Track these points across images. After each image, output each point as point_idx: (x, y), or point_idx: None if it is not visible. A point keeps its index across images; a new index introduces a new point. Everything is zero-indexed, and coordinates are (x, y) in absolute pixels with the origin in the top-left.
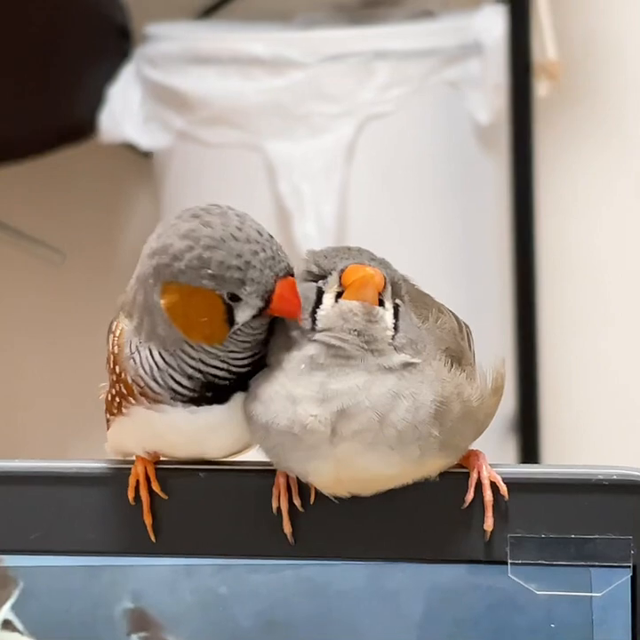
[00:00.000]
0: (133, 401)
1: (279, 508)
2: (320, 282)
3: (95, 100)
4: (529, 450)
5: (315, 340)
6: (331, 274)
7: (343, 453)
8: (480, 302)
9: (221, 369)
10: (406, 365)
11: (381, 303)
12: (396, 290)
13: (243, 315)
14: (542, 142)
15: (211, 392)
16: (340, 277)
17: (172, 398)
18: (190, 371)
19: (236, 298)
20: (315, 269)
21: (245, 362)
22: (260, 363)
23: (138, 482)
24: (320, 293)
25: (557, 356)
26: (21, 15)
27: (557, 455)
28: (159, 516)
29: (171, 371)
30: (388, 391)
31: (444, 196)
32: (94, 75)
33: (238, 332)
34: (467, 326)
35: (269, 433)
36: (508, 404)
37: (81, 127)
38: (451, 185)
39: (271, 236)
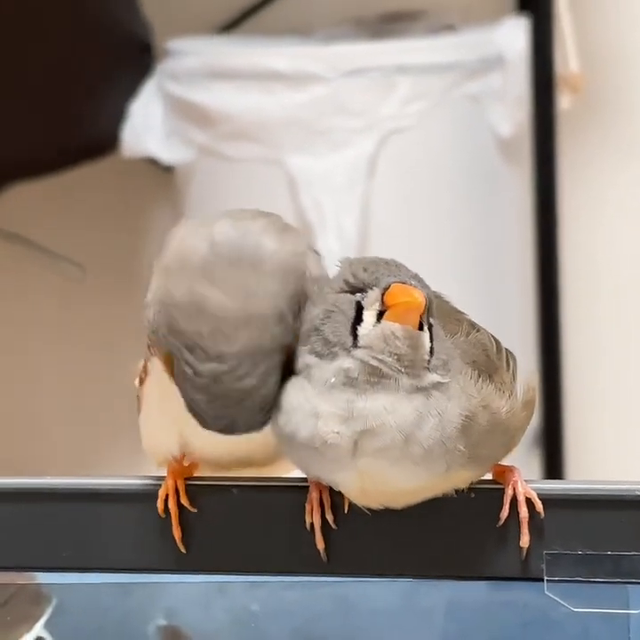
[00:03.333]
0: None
1: (312, 524)
2: (358, 294)
3: (117, 115)
4: (553, 463)
5: (353, 356)
6: (371, 289)
7: (365, 467)
8: (503, 316)
9: None
10: (436, 385)
11: (421, 326)
12: (430, 308)
13: None
14: (565, 155)
15: None
16: (383, 295)
17: None
18: None
19: None
20: (352, 280)
21: None
22: None
23: (167, 495)
24: (359, 308)
25: (582, 369)
26: (44, 31)
27: (581, 470)
28: (191, 532)
29: None
30: (415, 411)
31: (466, 210)
32: (116, 90)
33: None
34: (509, 351)
35: (293, 444)
36: (533, 418)
37: (103, 142)
38: (473, 199)
39: None
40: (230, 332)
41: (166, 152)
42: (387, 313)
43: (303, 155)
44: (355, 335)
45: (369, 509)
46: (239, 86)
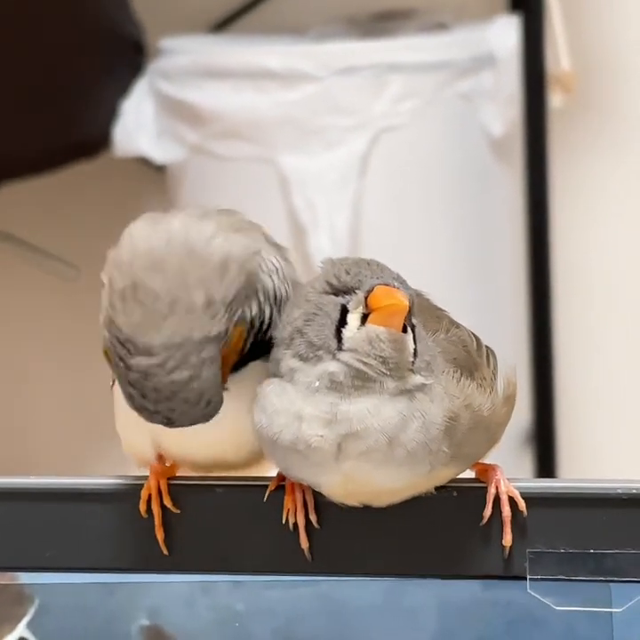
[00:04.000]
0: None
1: (296, 524)
2: (341, 297)
3: (109, 114)
4: (545, 462)
5: (338, 359)
6: (355, 292)
7: (350, 470)
8: (495, 314)
9: None
10: (420, 386)
11: (405, 328)
12: (412, 308)
13: None
14: (556, 154)
15: None
16: (367, 298)
17: None
18: None
19: None
20: (335, 282)
21: None
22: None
23: (150, 496)
24: (344, 311)
25: (573, 368)
26: (35, 31)
27: (573, 467)
28: (175, 531)
29: None
30: (399, 414)
31: (458, 209)
32: (108, 89)
33: None
34: (489, 348)
35: (276, 447)
36: (524, 416)
37: (95, 141)
38: (464, 197)
39: None
40: (158, 321)
41: (158, 151)
42: (371, 316)
43: (295, 153)
44: (339, 338)
45: (352, 509)
46: (231, 85)
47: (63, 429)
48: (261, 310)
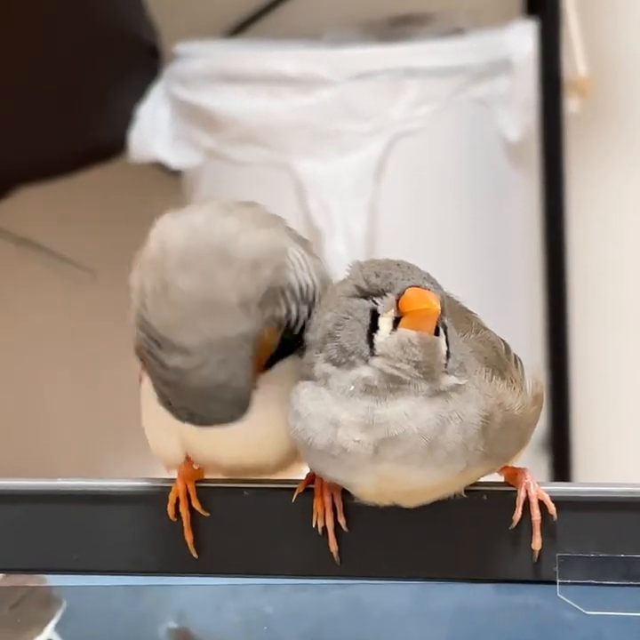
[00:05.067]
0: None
1: (324, 527)
2: (371, 300)
3: (125, 119)
4: (561, 467)
5: (371, 365)
6: (386, 294)
7: (386, 471)
8: (511, 320)
9: None
10: (454, 387)
11: (437, 331)
12: (443, 309)
13: None
14: (573, 158)
15: None
16: (398, 302)
17: None
18: None
19: None
20: (365, 286)
21: None
22: None
23: (178, 499)
24: (375, 315)
25: (589, 373)
26: (52, 36)
27: (589, 473)
28: (203, 534)
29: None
30: (436, 415)
31: (474, 213)
32: (124, 94)
33: None
34: (516, 356)
35: (310, 450)
36: (540, 420)
37: (111, 146)
38: (480, 202)
39: None
40: (194, 321)
41: (174, 156)
42: (403, 320)
43: (311, 158)
44: (371, 343)
45: (381, 512)
46: (247, 90)
47: (80, 429)
48: (289, 309)
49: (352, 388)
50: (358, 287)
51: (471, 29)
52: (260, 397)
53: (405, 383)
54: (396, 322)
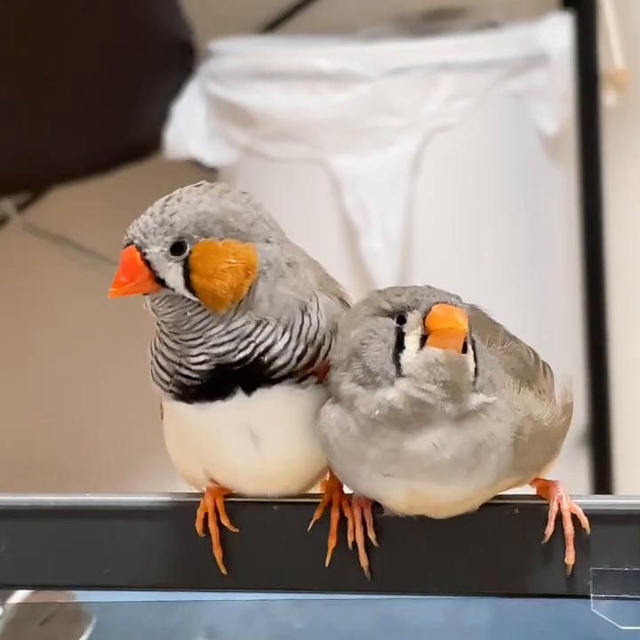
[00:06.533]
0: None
1: (354, 542)
2: (396, 317)
3: (160, 116)
4: (601, 463)
5: (397, 387)
6: (412, 312)
7: (417, 487)
8: (549, 314)
9: (180, 356)
10: (484, 405)
11: (464, 348)
12: (471, 332)
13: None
14: (610, 152)
15: (192, 388)
16: (425, 319)
17: (168, 391)
18: (161, 359)
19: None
20: (388, 307)
21: (205, 353)
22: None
23: (207, 514)
24: (400, 334)
25: (629, 367)
26: (87, 35)
27: (630, 468)
28: (233, 549)
29: (154, 361)
30: (468, 441)
31: (511, 208)
32: (159, 92)
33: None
34: (545, 363)
35: (343, 467)
36: (580, 417)
37: (147, 144)
38: (517, 196)
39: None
40: None
41: (209, 153)
42: (429, 338)
43: (347, 154)
44: (397, 363)
45: (412, 526)
46: (282, 86)
47: (114, 429)
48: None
49: (377, 412)
50: (381, 307)
51: (506, 23)
52: (275, 429)
53: (432, 406)
54: (423, 340)
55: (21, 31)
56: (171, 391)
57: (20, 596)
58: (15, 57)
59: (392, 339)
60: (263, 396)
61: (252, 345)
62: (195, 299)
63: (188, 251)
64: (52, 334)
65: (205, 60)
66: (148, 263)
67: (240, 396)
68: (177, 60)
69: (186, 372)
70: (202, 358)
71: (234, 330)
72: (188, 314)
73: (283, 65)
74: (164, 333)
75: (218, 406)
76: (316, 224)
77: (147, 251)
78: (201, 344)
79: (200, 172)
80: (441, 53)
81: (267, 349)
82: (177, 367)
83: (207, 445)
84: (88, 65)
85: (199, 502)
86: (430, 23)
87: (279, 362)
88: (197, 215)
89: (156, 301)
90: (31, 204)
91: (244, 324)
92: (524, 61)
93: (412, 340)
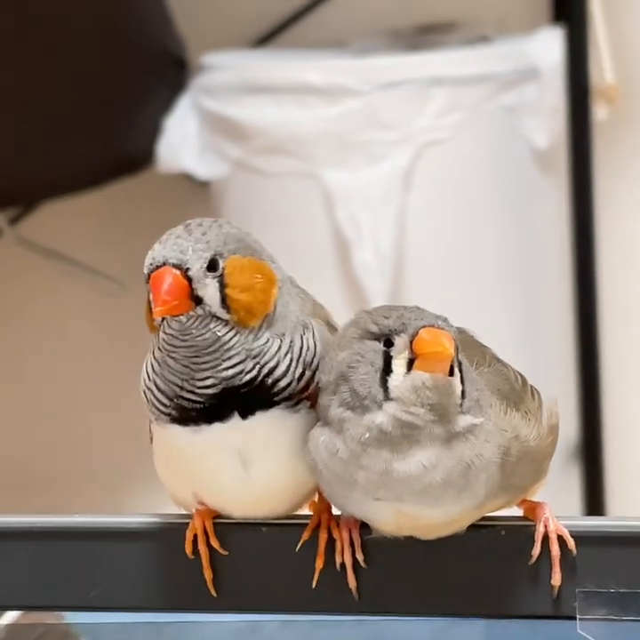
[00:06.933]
0: (150, 415)
1: (343, 564)
2: (383, 341)
3: (153, 130)
4: (593, 478)
5: (384, 411)
6: (399, 335)
7: (406, 509)
8: (541, 328)
9: (183, 380)
10: (471, 426)
11: (451, 371)
12: (457, 348)
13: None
14: (601, 165)
15: (192, 411)
16: (411, 343)
17: (159, 415)
18: (160, 384)
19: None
20: (375, 329)
21: (214, 376)
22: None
23: (196, 536)
24: (387, 358)
25: (620, 381)
26: (79, 48)
27: (622, 483)
28: (221, 571)
29: (151, 385)
30: (458, 462)
31: (503, 222)
32: (151, 105)
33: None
34: (533, 387)
35: (332, 490)
36: (571, 430)
37: (139, 158)
38: (509, 210)
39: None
40: None
41: (201, 167)
42: (416, 362)
43: (338, 168)
44: (385, 387)
45: (399, 548)
46: (273, 100)
47: (108, 442)
48: None
49: (367, 435)
50: (368, 330)
51: (497, 37)
52: (265, 453)
53: (420, 428)
54: (410, 363)
55: (13, 44)
56: (168, 414)
57: (9, 617)
58: (7, 71)
59: (379, 362)
60: (258, 419)
61: (258, 366)
62: (227, 316)
63: (221, 267)
64: (45, 348)
65: (197, 73)
66: (189, 281)
67: (236, 419)
68: (169, 73)
69: (189, 395)
70: (209, 382)
71: (256, 347)
72: (219, 334)
73: (275, 79)
74: (171, 357)
75: (213, 429)
76: (308, 238)
77: (189, 267)
78: (213, 367)
79: (192, 185)
80: (433, 67)
81: (271, 371)
82: (179, 390)
83: (196, 468)
84: (80, 79)
85: (188, 524)
86: (422, 37)
87: (282, 383)
88: (224, 234)
89: (191, 322)
90: (23, 218)
91: (266, 342)
92: (515, 75)
93: (399, 364)
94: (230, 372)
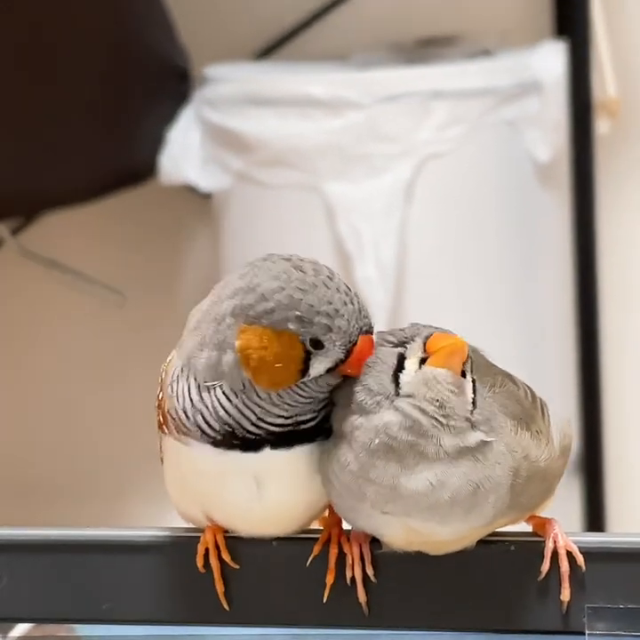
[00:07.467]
0: (166, 431)
1: (353, 578)
2: (400, 348)
3: (155, 142)
4: (594, 492)
5: (395, 406)
6: (413, 340)
7: (415, 526)
8: (542, 339)
9: (257, 419)
10: (482, 444)
11: (463, 374)
12: (471, 365)
13: (319, 366)
14: (603, 179)
15: (237, 440)
16: (425, 344)
17: (200, 435)
18: (223, 414)
19: (319, 345)
20: (392, 339)
21: (286, 420)
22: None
23: (208, 550)
24: (401, 359)
25: (621, 393)
26: (82, 61)
27: (623, 496)
28: (232, 584)
29: (203, 409)
30: (467, 482)
31: (505, 235)
32: (154, 117)
33: (302, 386)
34: (542, 400)
35: (343, 503)
36: (572, 443)
37: (141, 169)
38: (511, 224)
39: (357, 294)
40: None
41: (204, 179)
42: (429, 359)
43: (340, 181)
44: (397, 383)
45: (410, 563)
46: (276, 113)
47: (109, 453)
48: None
49: (377, 440)
50: (385, 339)
51: (499, 50)
52: (281, 479)
53: (427, 436)
54: (423, 362)
55: (16, 57)
56: (211, 437)
57: (20, 629)
58: (10, 83)
59: (393, 362)
60: (281, 450)
61: (315, 411)
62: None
63: None
64: (47, 358)
65: (200, 85)
66: None
67: (267, 450)
68: (172, 85)
69: (252, 428)
70: (279, 421)
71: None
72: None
73: (277, 91)
74: (259, 395)
75: (243, 455)
76: (310, 251)
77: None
78: (299, 413)
79: (194, 197)
80: (434, 81)
81: (314, 416)
82: (245, 422)
83: (209, 488)
84: (83, 91)
85: (199, 537)
86: (424, 50)
87: (313, 423)
88: None
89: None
90: (25, 228)
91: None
92: (517, 89)
93: (412, 362)
94: (308, 416)
